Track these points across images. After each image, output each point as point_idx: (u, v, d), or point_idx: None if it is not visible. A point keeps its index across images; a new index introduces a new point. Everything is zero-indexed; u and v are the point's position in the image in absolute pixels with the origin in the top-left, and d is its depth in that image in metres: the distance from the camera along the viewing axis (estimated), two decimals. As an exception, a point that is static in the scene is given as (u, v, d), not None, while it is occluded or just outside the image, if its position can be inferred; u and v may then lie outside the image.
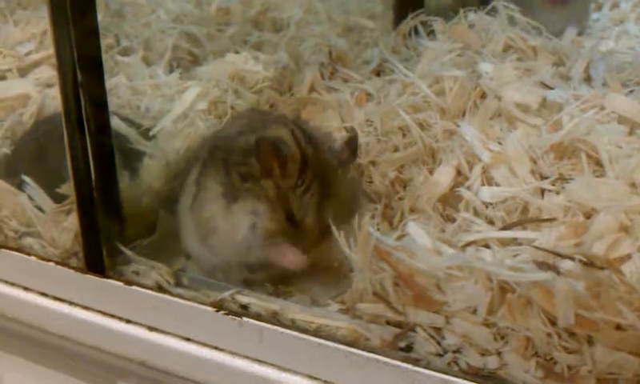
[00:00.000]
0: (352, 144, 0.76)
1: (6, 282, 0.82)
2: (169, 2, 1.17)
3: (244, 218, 0.71)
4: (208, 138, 0.85)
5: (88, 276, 0.77)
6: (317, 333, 0.66)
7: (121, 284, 0.75)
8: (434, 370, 0.61)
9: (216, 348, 0.70)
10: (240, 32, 1.13)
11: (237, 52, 1.04)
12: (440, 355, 0.62)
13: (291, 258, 0.71)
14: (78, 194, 0.75)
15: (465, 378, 0.60)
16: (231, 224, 0.72)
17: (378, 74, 1.02)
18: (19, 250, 0.82)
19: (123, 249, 0.76)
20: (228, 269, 0.75)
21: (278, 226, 0.70)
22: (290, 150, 0.70)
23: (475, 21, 1.01)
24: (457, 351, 0.61)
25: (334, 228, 0.67)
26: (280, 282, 0.75)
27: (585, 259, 0.60)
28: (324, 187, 0.71)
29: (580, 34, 1.14)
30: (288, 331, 0.67)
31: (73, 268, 0.78)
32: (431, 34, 1.04)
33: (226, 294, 0.71)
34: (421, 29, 1.05)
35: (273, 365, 0.68)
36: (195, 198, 0.75)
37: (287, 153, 0.69)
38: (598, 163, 0.73)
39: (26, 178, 0.82)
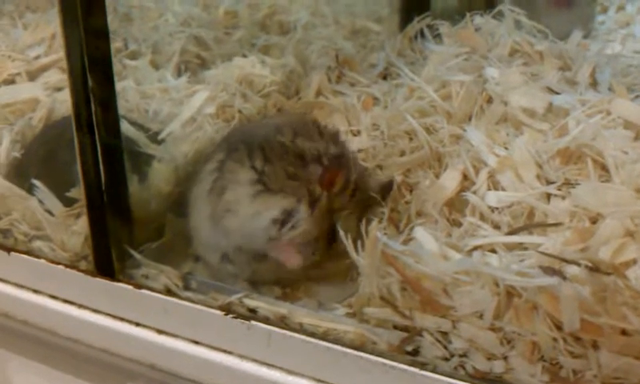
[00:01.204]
0: (387, 189, 0.78)
1: (16, 285, 0.83)
2: (176, 5, 1.17)
3: (276, 209, 0.72)
4: (231, 132, 0.87)
5: (97, 279, 0.77)
6: (324, 337, 0.67)
7: (130, 287, 0.75)
8: (441, 374, 0.62)
9: (224, 351, 0.71)
10: (247, 35, 1.14)
11: (244, 55, 1.05)
12: (447, 359, 0.62)
13: (294, 259, 0.72)
14: (88, 197, 0.76)
15: (471, 382, 0.61)
16: (260, 210, 0.73)
17: (385, 78, 1.03)
18: (29, 253, 0.82)
19: (132, 252, 0.77)
20: (234, 255, 0.76)
21: (320, 234, 0.72)
22: (354, 172, 0.74)
23: (481, 24, 1.01)
24: (463, 355, 0.62)
25: (341, 233, 0.68)
26: (282, 279, 0.76)
27: (590, 264, 0.60)
28: (361, 216, 0.73)
29: (586, 37, 1.14)
30: (296, 335, 0.67)
31: (82, 271, 0.79)
32: (437, 37, 1.04)
33: (234, 298, 0.71)
34: (427, 32, 1.05)
35: (281, 368, 0.68)
36: (217, 180, 0.76)
37: (353, 173, 0.73)
38: (604, 168, 0.73)
39: (36, 182, 0.82)
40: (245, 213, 0.73)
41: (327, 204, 0.72)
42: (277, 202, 0.72)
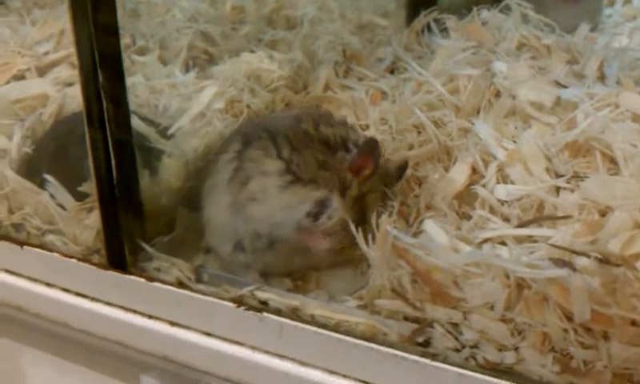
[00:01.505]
0: (401, 170, 0.79)
1: (29, 278, 0.84)
2: (183, 0, 1.17)
3: (310, 201, 0.73)
4: (244, 123, 0.88)
5: (110, 272, 0.78)
6: (336, 328, 0.67)
7: (142, 280, 0.76)
8: (452, 365, 0.62)
9: (236, 343, 0.72)
10: (254, 30, 1.14)
11: (252, 51, 1.05)
12: (457, 350, 0.63)
13: (323, 245, 0.72)
14: (100, 191, 0.76)
15: (482, 373, 0.61)
16: (292, 203, 0.73)
17: (392, 72, 1.03)
18: (42, 246, 0.83)
19: (145, 246, 0.77)
20: (250, 244, 0.75)
21: (352, 217, 0.72)
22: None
23: (488, 18, 1.01)
24: (474, 346, 0.62)
25: (352, 226, 0.69)
26: (295, 269, 0.77)
27: (600, 256, 0.61)
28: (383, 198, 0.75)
29: (592, 30, 1.14)
30: (307, 326, 0.68)
31: (95, 264, 0.79)
32: (444, 31, 1.04)
33: (246, 290, 0.72)
34: (434, 26, 1.05)
35: (293, 359, 0.69)
36: (239, 169, 0.75)
37: (381, 159, 0.74)
38: (613, 161, 0.74)
39: (48, 177, 0.83)
40: (275, 204, 0.73)
41: (357, 189, 0.73)
42: (310, 193, 0.73)
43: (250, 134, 0.78)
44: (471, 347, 0.63)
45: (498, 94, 0.86)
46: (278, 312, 0.70)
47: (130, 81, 0.95)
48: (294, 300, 0.70)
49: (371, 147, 0.73)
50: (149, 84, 0.97)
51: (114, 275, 0.78)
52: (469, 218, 0.75)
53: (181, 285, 0.75)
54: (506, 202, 0.74)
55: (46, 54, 1.06)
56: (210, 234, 0.79)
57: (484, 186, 0.76)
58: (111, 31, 0.74)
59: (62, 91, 0.98)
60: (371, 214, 0.70)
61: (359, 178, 0.73)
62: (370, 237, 0.68)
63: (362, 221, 0.71)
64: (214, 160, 0.80)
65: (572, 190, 0.72)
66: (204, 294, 0.73)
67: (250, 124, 0.86)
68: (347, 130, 0.78)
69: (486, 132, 0.80)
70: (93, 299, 0.80)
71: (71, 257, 0.81)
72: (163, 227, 0.82)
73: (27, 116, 0.95)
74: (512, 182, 0.75)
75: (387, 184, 0.77)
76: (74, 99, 0.95)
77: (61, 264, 0.81)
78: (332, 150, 0.75)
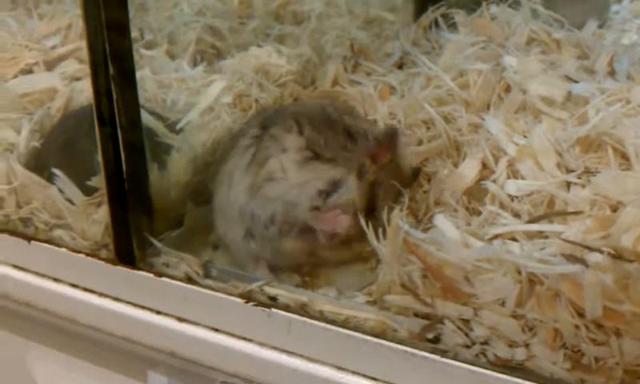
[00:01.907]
0: (415, 176, 0.80)
1: (37, 274, 0.83)
2: (191, -6, 1.17)
3: (325, 177, 0.73)
4: (260, 111, 0.89)
5: (118, 267, 0.78)
6: (345, 324, 0.67)
7: (151, 275, 0.76)
8: (462, 362, 0.62)
9: (244, 339, 0.71)
10: (261, 25, 1.14)
11: (259, 45, 1.05)
12: (468, 347, 0.63)
13: (332, 226, 0.72)
14: (109, 186, 0.76)
15: (492, 370, 0.61)
16: (307, 178, 0.73)
17: (400, 67, 1.03)
18: (50, 241, 0.83)
19: (153, 241, 0.77)
20: (263, 228, 0.75)
21: (362, 207, 0.72)
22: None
23: (497, 13, 1.01)
24: (485, 343, 0.62)
25: (362, 220, 0.68)
26: (304, 261, 0.77)
27: (613, 252, 0.60)
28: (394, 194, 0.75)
29: (600, 26, 1.13)
30: (316, 322, 0.68)
31: (103, 259, 0.79)
32: (452, 26, 1.04)
33: (255, 285, 0.72)
34: (441, 22, 1.05)
35: (301, 355, 0.69)
36: (259, 151, 0.75)
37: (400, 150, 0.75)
38: (624, 156, 0.73)
39: (57, 171, 0.83)
40: (291, 181, 0.73)
41: (373, 175, 0.73)
42: (326, 171, 0.73)
43: (270, 120, 0.78)
44: (481, 344, 0.62)
45: (508, 89, 0.85)
46: (286, 308, 0.70)
47: (138, 75, 0.95)
48: (303, 296, 0.70)
49: (392, 135, 0.75)
50: (157, 78, 0.97)
51: (122, 270, 0.78)
52: (478, 213, 0.74)
53: (189, 280, 0.75)
54: (517, 197, 0.73)
55: (54, 48, 1.06)
56: (220, 222, 0.79)
57: (494, 181, 0.75)
58: (122, 24, 0.74)
59: (70, 85, 0.98)
60: (381, 207, 0.70)
61: (378, 166, 0.73)
62: (380, 232, 0.67)
63: (372, 212, 0.71)
64: (227, 148, 0.79)
65: (583, 186, 0.72)
66: (212, 289, 0.73)
67: (267, 112, 0.85)
68: (370, 123, 0.78)
69: (497, 127, 0.79)
70: (101, 295, 0.79)
71: (79, 252, 0.81)
72: (172, 222, 0.82)
73: (35, 110, 0.95)
74: (522, 178, 0.74)
75: (400, 183, 0.76)
76: (82, 93, 0.95)
77: (68, 259, 0.81)
78: (354, 138, 0.75)
